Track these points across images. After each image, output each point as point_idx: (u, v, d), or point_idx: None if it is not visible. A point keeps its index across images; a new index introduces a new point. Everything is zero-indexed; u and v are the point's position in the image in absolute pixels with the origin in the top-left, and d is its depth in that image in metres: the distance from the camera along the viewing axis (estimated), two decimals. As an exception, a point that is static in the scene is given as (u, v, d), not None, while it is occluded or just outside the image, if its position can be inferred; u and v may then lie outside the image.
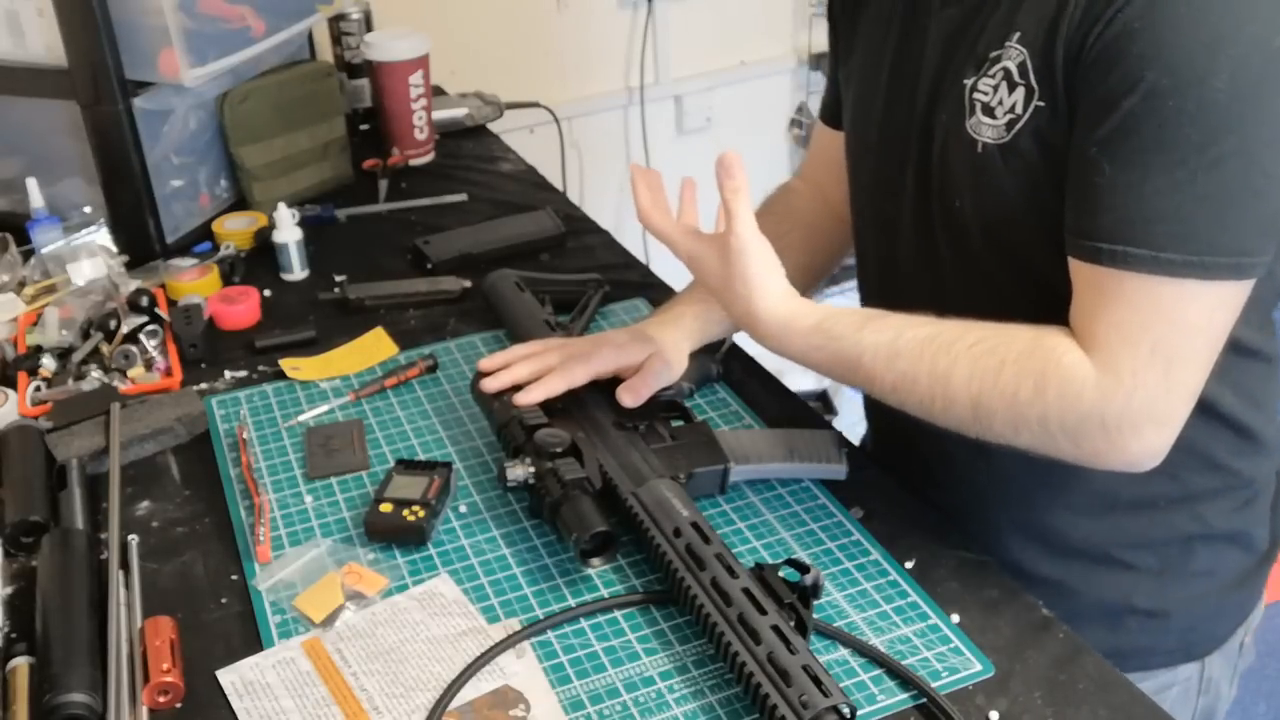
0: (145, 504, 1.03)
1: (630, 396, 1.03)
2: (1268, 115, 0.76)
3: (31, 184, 1.39)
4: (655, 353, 1.06)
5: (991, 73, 0.88)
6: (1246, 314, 0.84)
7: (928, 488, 1.03)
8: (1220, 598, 1.04)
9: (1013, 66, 0.86)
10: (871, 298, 1.12)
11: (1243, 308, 0.82)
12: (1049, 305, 0.87)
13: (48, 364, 1.19)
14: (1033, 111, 0.85)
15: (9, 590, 0.93)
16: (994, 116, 0.87)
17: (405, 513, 0.96)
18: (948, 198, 0.94)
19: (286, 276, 1.42)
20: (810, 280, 1.20)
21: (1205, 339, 0.81)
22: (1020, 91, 0.85)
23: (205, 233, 1.49)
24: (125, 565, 0.94)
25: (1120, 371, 0.80)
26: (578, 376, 1.03)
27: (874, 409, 1.19)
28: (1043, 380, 0.82)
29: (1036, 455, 0.86)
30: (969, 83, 0.90)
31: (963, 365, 0.84)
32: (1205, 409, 0.88)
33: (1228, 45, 0.74)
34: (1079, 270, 0.83)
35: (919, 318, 0.88)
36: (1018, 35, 0.85)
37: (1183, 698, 1.06)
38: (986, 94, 0.88)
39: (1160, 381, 0.80)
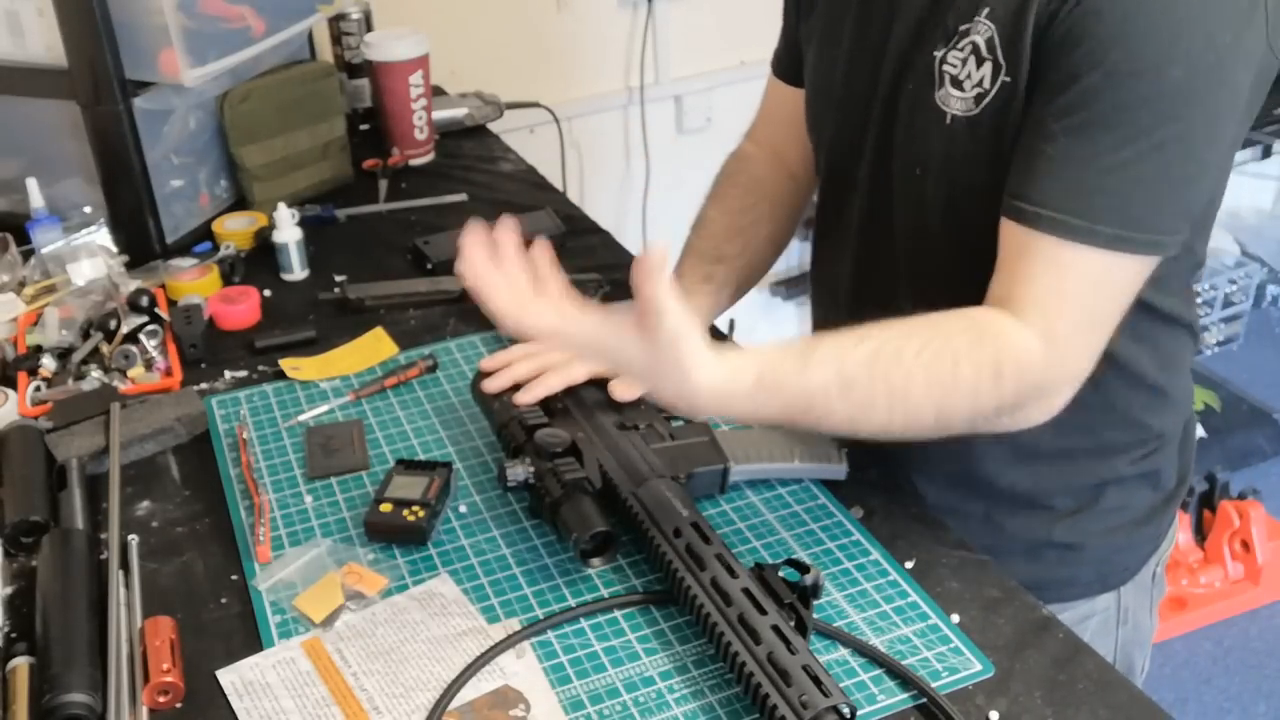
0: (145, 504, 1.03)
1: (624, 387, 1.03)
2: (1210, 106, 0.82)
3: (31, 184, 1.39)
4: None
5: (961, 46, 0.90)
6: (1170, 284, 0.90)
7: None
8: (1132, 531, 1.09)
9: (981, 41, 0.88)
10: (823, 249, 1.16)
11: (1166, 279, 0.90)
12: (991, 270, 0.91)
13: (48, 364, 1.19)
14: (1000, 86, 0.88)
15: (9, 590, 0.93)
16: (962, 89, 0.90)
17: (405, 513, 0.96)
18: (908, 165, 0.97)
19: (286, 276, 1.42)
20: (776, 249, 1.23)
21: (1120, 305, 0.87)
22: (988, 66, 0.88)
23: (205, 233, 1.49)
24: (125, 565, 0.94)
25: (1056, 336, 0.85)
26: (577, 374, 1.04)
27: None
28: (998, 365, 0.85)
29: None
30: (938, 54, 0.92)
31: (918, 375, 0.83)
32: (1126, 371, 0.94)
33: (1185, 38, 0.79)
34: (1013, 234, 0.87)
35: (850, 335, 0.85)
36: (986, 11, 0.88)
37: (1102, 628, 1.11)
38: (955, 67, 0.90)
39: (1084, 343, 0.87)
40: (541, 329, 0.83)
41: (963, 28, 0.90)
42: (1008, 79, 0.87)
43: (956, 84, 0.90)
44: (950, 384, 0.84)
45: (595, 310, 0.83)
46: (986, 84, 0.88)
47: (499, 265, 0.84)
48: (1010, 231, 0.87)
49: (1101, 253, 0.83)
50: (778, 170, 1.23)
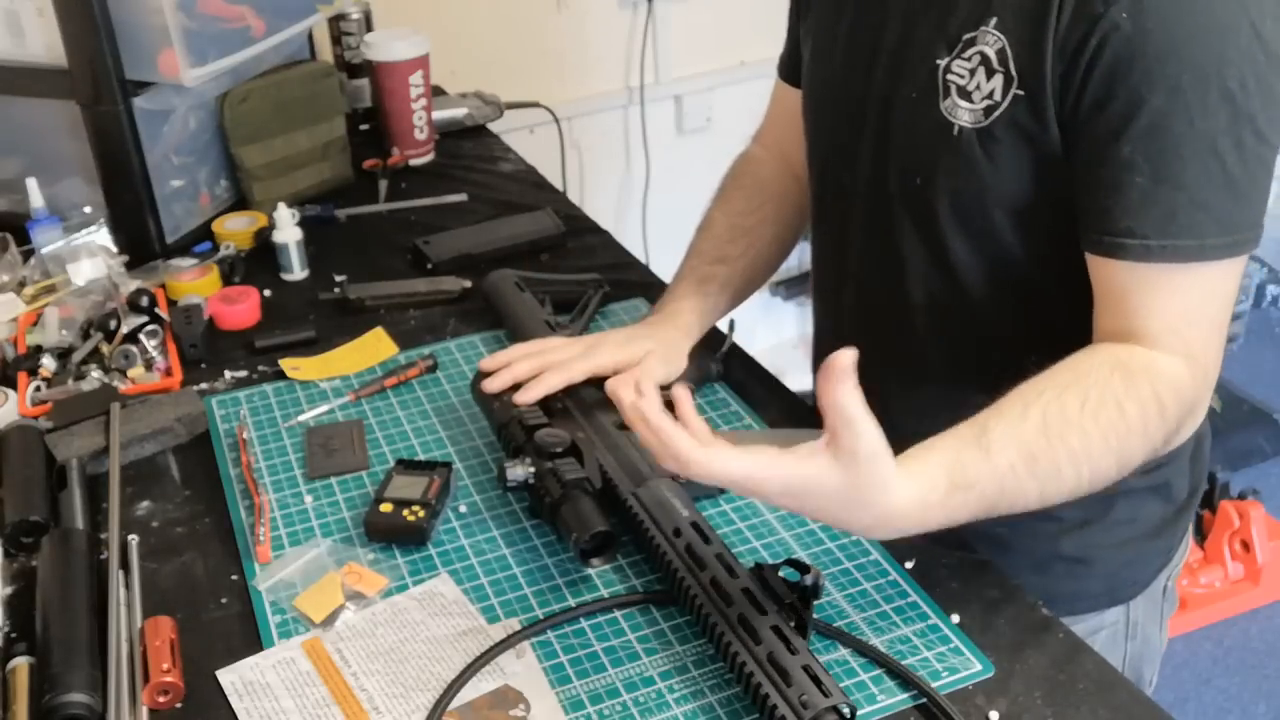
0: (145, 504, 1.03)
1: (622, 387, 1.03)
2: (1270, 93, 0.81)
3: (31, 184, 1.39)
4: (652, 350, 1.06)
5: (967, 55, 0.89)
6: None
7: None
8: (1142, 544, 1.07)
9: (991, 53, 0.87)
10: (822, 252, 1.15)
11: None
12: (1002, 278, 0.91)
13: (48, 364, 1.19)
14: (1012, 99, 0.87)
15: (9, 590, 0.93)
16: (971, 101, 0.89)
17: (405, 513, 0.96)
18: (907, 173, 0.96)
19: (286, 276, 1.42)
20: (781, 251, 1.22)
21: (1233, 302, 0.88)
22: (999, 79, 0.87)
23: (205, 233, 1.49)
24: (125, 565, 0.94)
25: (1196, 354, 0.85)
26: (576, 373, 1.04)
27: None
28: (1159, 397, 0.83)
29: None
30: (942, 63, 0.91)
31: (1092, 430, 0.81)
32: None
33: (1233, 34, 0.79)
34: (1118, 271, 0.85)
35: (1009, 408, 0.81)
36: (994, 21, 0.87)
37: (1110, 642, 1.09)
38: (963, 77, 0.89)
39: (1217, 351, 0.87)
40: (734, 476, 0.75)
41: (967, 36, 0.89)
42: (1020, 92, 0.86)
43: (964, 95, 0.89)
44: (1123, 429, 0.82)
45: (778, 450, 0.76)
46: (997, 96, 0.87)
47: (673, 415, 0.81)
48: (1113, 269, 0.85)
49: (1215, 264, 0.84)
50: (784, 173, 1.22)
